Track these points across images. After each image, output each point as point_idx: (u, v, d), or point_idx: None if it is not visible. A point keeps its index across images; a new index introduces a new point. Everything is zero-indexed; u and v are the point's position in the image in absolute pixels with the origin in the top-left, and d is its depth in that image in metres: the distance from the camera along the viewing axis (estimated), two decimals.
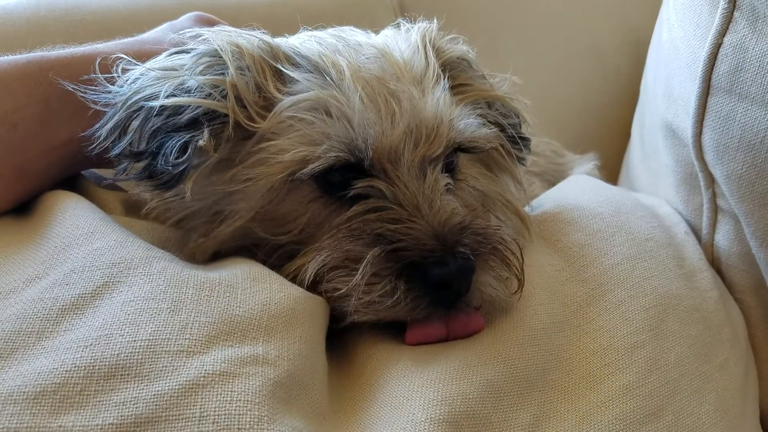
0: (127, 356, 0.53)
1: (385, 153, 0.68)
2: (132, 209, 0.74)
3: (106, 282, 0.58)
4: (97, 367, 0.51)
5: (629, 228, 0.82)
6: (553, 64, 1.51)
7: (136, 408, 0.50)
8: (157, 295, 0.58)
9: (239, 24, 0.77)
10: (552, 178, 1.15)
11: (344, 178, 0.68)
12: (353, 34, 0.77)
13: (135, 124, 0.66)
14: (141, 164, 0.66)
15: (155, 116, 0.65)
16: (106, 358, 0.52)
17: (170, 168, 0.64)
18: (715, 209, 0.90)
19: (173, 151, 0.63)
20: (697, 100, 0.84)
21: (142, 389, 0.51)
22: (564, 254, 0.77)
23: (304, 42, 0.75)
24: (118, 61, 0.71)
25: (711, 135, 0.83)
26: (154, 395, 0.51)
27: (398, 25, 0.82)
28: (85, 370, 0.51)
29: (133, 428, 0.49)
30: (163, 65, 0.70)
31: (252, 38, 0.71)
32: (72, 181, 0.76)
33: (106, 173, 0.79)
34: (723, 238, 0.89)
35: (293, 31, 0.80)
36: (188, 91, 0.66)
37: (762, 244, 0.82)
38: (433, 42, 0.78)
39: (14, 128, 0.69)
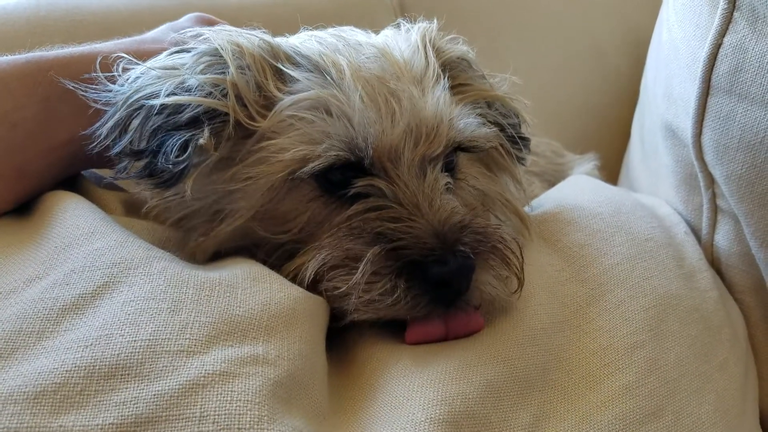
0: (127, 356, 0.53)
1: (385, 152, 0.68)
2: (132, 209, 0.74)
3: (107, 282, 0.59)
4: (97, 367, 0.51)
5: (629, 228, 0.82)
6: (553, 64, 1.51)
7: (137, 408, 0.50)
8: (158, 295, 0.58)
9: (239, 24, 0.77)
10: (552, 178, 1.15)
11: (344, 177, 0.68)
12: (353, 34, 0.77)
13: (135, 122, 0.66)
14: (141, 163, 0.66)
15: (156, 115, 0.65)
16: (106, 358, 0.52)
17: (170, 166, 0.64)
18: (714, 209, 0.90)
19: (174, 150, 0.63)
20: (697, 100, 0.84)
21: (143, 389, 0.51)
22: (564, 254, 0.77)
23: (304, 41, 0.75)
24: (118, 60, 0.71)
25: (711, 135, 0.83)
26: (154, 395, 0.51)
27: (398, 25, 0.82)
28: (85, 370, 0.51)
29: (134, 428, 0.49)
30: (164, 64, 0.70)
31: (252, 38, 0.71)
32: (72, 181, 0.76)
33: (106, 173, 0.79)
34: (723, 238, 0.89)
35: (293, 31, 0.81)
36: (189, 90, 0.66)
37: (762, 244, 0.82)
38: (433, 42, 0.78)
39: (14, 128, 0.69)
